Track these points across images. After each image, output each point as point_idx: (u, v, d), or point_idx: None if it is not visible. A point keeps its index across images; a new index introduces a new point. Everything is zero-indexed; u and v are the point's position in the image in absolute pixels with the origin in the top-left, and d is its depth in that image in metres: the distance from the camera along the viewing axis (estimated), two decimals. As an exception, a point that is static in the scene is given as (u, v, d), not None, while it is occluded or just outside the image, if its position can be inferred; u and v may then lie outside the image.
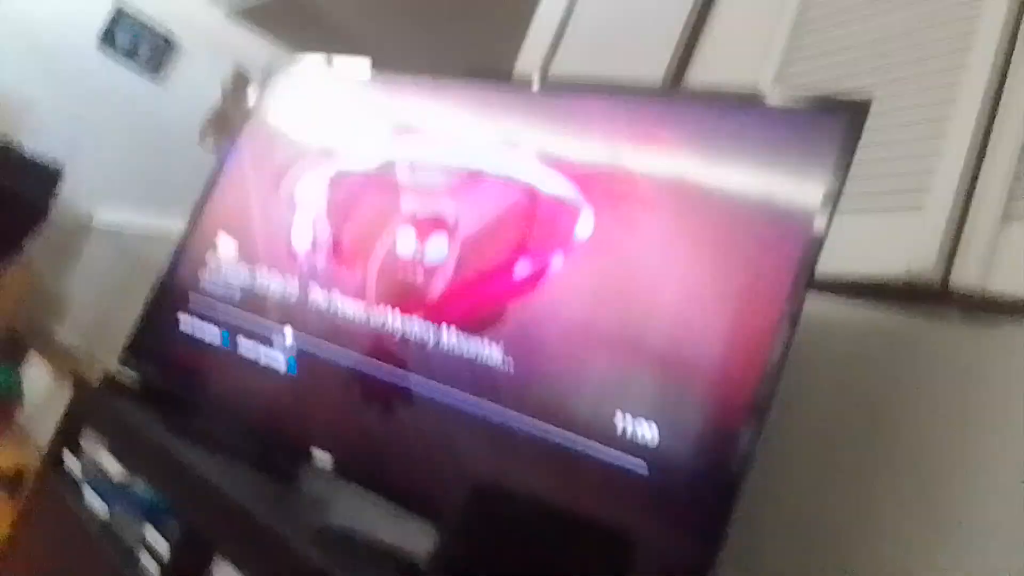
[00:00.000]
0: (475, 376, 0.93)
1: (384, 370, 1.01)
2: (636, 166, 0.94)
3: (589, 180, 0.96)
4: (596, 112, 1.01)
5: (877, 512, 0.86)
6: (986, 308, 0.85)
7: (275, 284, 1.20)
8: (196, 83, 4.27)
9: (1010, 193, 0.86)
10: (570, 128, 1.03)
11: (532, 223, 0.98)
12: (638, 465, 0.79)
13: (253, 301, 1.22)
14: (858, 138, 0.80)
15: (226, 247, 1.31)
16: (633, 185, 0.92)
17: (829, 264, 0.79)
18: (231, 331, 1.22)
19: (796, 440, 0.90)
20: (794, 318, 0.76)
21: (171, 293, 1.34)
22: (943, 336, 0.88)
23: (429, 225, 1.07)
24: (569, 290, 0.92)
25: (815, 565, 0.87)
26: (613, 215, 0.92)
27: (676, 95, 1.17)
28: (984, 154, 0.89)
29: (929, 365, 0.88)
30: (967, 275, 0.86)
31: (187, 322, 1.28)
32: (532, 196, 1.00)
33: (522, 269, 0.96)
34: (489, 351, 0.93)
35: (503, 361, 0.92)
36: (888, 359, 0.91)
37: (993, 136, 0.89)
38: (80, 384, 1.39)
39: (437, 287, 1.02)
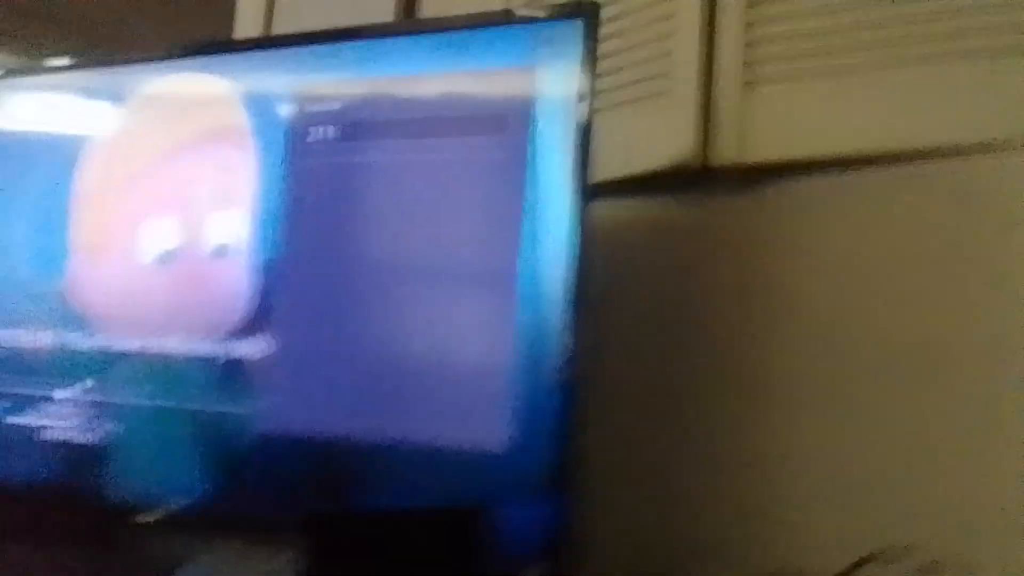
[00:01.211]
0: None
1: (201, 403, 0.92)
2: (382, 101, 0.90)
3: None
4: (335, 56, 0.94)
5: (698, 397, 0.88)
6: (748, 177, 0.88)
7: (26, 335, 1.04)
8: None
9: (744, 61, 0.88)
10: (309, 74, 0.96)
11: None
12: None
13: (11, 361, 1.05)
14: (596, 37, 0.81)
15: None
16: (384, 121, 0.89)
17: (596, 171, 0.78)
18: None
19: (611, 348, 0.91)
20: (582, 227, 0.75)
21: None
22: (714, 215, 0.91)
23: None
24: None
25: (635, 472, 0.90)
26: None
27: (413, 26, 1.11)
28: (714, 28, 0.90)
29: (710, 246, 0.91)
30: (725, 150, 0.88)
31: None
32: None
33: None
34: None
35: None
36: (670, 248, 0.93)
37: (718, 9, 0.90)
38: None
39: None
